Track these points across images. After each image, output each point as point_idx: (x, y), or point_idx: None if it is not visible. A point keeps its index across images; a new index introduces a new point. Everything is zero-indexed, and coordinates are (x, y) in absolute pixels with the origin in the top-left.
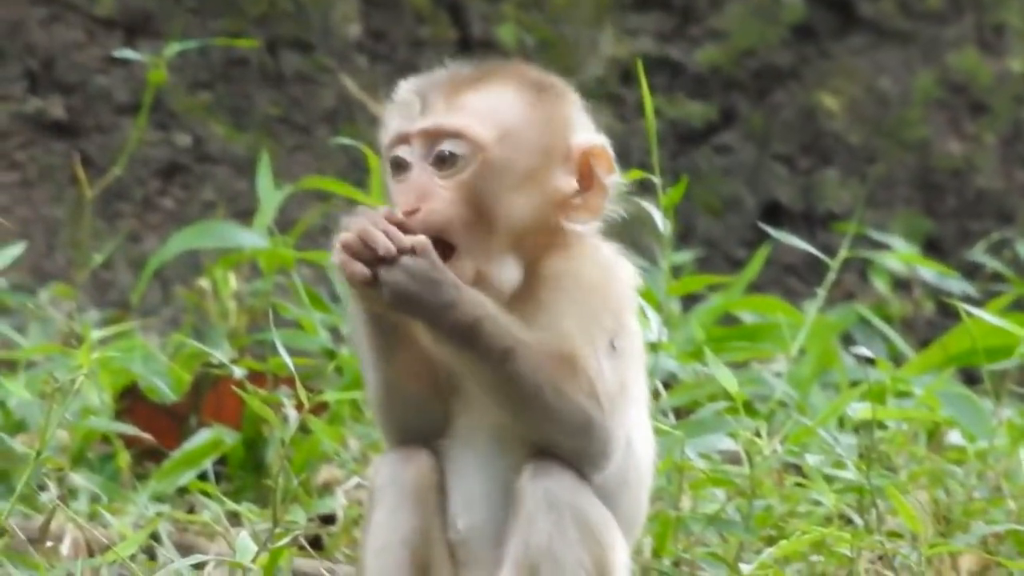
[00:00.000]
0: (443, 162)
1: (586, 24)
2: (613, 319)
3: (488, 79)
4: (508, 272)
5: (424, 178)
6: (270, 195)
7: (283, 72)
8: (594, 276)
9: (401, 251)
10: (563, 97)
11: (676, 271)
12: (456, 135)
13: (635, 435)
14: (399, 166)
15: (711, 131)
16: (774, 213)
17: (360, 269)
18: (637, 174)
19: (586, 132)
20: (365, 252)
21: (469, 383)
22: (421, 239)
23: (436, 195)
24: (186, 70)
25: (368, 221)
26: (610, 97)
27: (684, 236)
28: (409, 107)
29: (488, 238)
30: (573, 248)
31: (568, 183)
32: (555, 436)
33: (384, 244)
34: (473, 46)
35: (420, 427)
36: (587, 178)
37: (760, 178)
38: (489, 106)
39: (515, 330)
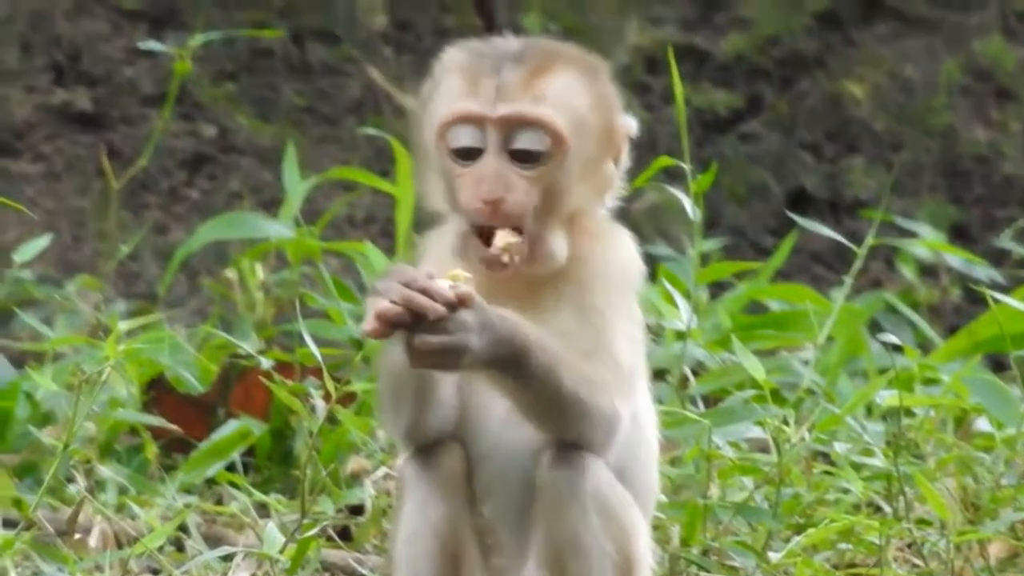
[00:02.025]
0: (525, 155)
1: (611, 12)
2: (634, 301)
3: (556, 63)
4: (560, 249)
5: (503, 168)
6: (296, 185)
7: (308, 63)
8: (621, 259)
9: (450, 307)
10: (608, 78)
11: (703, 259)
12: (539, 126)
13: (640, 408)
14: (468, 151)
15: (737, 119)
16: (800, 201)
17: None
18: (665, 162)
19: (623, 114)
20: (407, 317)
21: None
22: (466, 292)
23: (517, 187)
24: (211, 61)
25: (405, 283)
26: (636, 86)
27: (711, 224)
28: (473, 85)
29: (549, 221)
30: (601, 230)
31: (611, 166)
32: (577, 433)
33: (432, 308)
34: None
35: (433, 420)
36: (617, 161)
37: (786, 166)
38: (564, 94)
39: (555, 348)
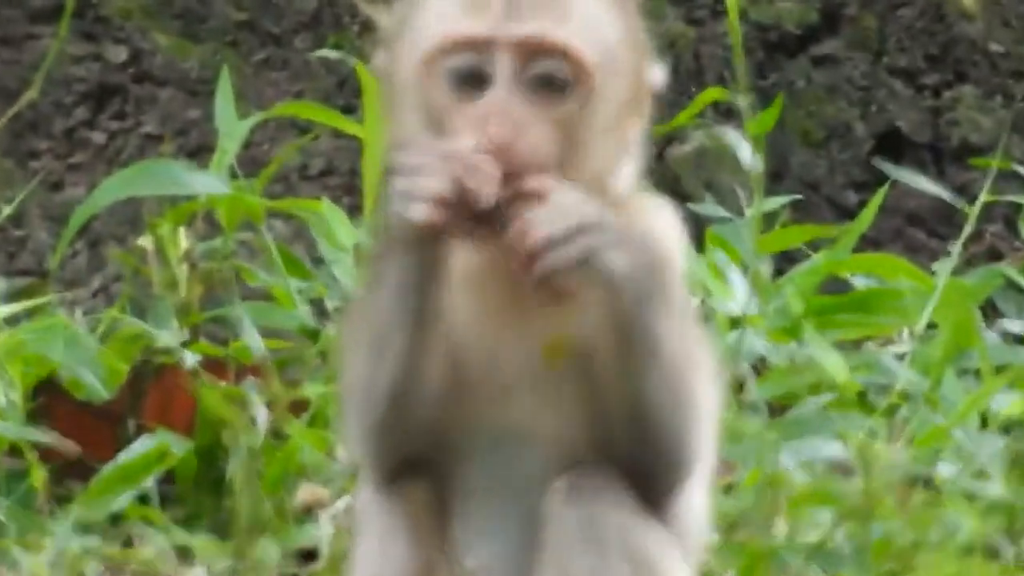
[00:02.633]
0: (546, 87)
1: None
2: (682, 296)
3: None
4: None
5: (515, 103)
6: (232, 126)
7: None
8: (668, 238)
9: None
10: (637, 7)
11: (766, 221)
12: (563, 54)
13: None
14: (473, 80)
15: (810, 38)
16: (893, 145)
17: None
18: (715, 94)
19: (650, 59)
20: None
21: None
22: (547, 182)
23: (533, 127)
24: None
25: (448, 159)
26: None
27: (776, 175)
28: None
29: (569, 181)
30: (631, 201)
31: (635, 127)
32: (660, 457)
33: (486, 193)
34: None
35: (421, 439)
36: (640, 122)
37: (874, 99)
38: (592, 17)
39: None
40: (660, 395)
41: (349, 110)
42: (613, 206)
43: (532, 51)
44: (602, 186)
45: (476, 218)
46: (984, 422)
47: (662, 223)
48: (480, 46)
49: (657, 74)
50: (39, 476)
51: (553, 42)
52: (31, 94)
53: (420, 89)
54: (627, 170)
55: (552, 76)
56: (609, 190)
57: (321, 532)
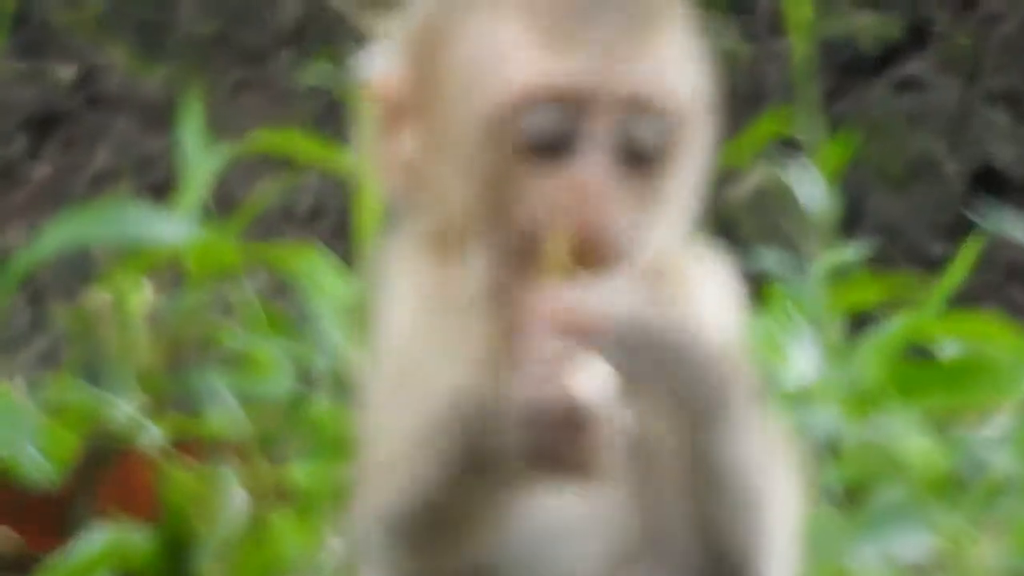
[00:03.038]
0: (637, 154)
1: None
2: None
3: (659, 4)
4: None
5: (607, 176)
6: (201, 159)
7: None
8: (724, 316)
9: None
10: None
11: (838, 275)
12: (664, 112)
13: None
14: (556, 144)
15: (892, 57)
16: (990, 184)
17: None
18: (777, 124)
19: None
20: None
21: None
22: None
23: (624, 207)
24: None
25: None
26: (732, 5)
27: (849, 221)
28: (557, 34)
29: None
30: (675, 259)
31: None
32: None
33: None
34: None
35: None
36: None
37: (968, 129)
38: (681, 59)
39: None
40: (728, 524)
41: (340, 141)
42: (654, 273)
43: (634, 109)
44: (659, 265)
45: None
46: None
47: (714, 291)
48: (574, 101)
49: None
50: None
51: (662, 100)
52: None
53: (479, 148)
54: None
55: (648, 142)
56: (661, 264)
57: None
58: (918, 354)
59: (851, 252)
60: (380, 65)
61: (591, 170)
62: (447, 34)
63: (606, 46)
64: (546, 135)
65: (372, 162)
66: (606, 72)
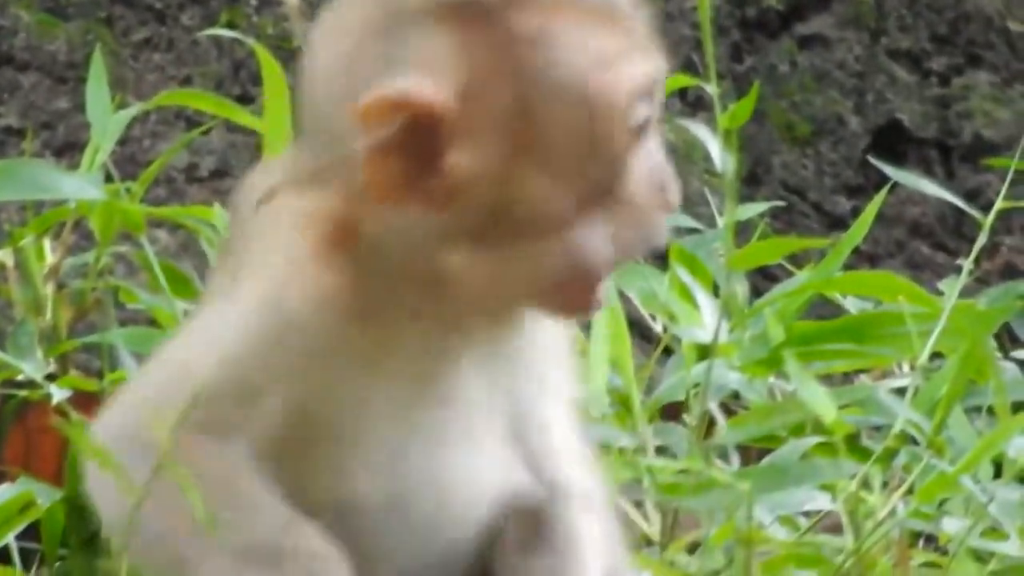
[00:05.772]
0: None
1: None
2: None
3: None
4: None
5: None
6: (106, 118)
7: None
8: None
9: None
10: None
11: (742, 232)
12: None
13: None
14: (642, 128)
15: (796, 14)
16: (893, 142)
17: None
18: (681, 81)
19: None
20: None
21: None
22: None
23: None
24: None
25: None
26: None
27: (754, 178)
28: (616, 29)
29: None
30: None
31: None
32: None
33: None
34: None
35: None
36: None
37: (871, 87)
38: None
39: None
40: None
41: (245, 99)
42: None
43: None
44: None
45: None
46: (998, 470)
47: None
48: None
49: None
50: None
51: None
52: None
53: (598, 134)
54: None
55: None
56: None
57: None
58: (821, 312)
59: (755, 210)
60: (400, 83)
61: (655, 148)
62: (525, 46)
63: (636, 32)
64: (641, 120)
65: (382, 183)
66: (647, 58)
